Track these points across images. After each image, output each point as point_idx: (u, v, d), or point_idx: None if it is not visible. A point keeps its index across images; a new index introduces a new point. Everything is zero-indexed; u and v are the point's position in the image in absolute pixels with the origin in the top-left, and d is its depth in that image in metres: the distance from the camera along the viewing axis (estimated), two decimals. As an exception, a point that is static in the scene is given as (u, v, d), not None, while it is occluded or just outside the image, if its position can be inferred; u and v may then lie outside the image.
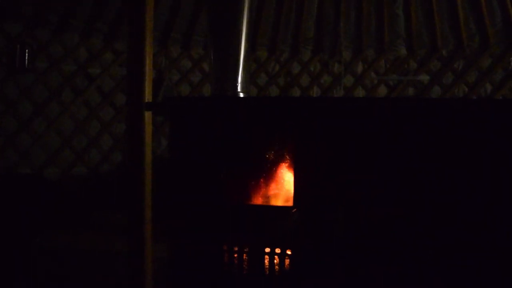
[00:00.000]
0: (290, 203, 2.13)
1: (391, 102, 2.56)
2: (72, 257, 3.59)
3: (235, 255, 2.14)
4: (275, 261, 2.10)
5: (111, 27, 5.02)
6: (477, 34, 5.28)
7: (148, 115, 2.29)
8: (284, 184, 2.20)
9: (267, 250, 2.12)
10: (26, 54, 4.69)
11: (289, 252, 2.10)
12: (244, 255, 2.13)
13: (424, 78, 5.49)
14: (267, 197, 2.21)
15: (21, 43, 4.70)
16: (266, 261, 2.11)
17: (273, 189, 2.21)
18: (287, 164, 2.19)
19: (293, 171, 2.11)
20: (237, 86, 2.46)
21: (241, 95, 2.47)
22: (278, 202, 2.22)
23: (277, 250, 2.11)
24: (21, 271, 3.42)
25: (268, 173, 2.22)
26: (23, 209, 4.17)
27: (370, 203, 1.97)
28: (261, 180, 2.22)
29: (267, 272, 2.10)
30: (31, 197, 4.44)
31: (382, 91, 5.49)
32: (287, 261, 2.09)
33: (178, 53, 5.36)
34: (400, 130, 2.00)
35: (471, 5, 5.14)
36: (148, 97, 2.30)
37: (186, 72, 5.35)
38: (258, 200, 2.22)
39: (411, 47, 5.44)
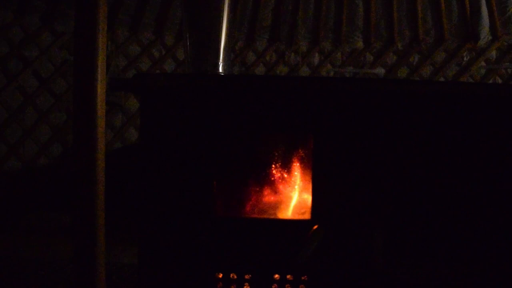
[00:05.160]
0: (307, 216, 1.51)
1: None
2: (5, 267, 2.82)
3: (233, 287, 1.49)
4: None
5: (49, 5, 4.18)
6: (433, 28, 4.97)
7: (101, 92, 1.60)
8: (296, 190, 1.57)
9: (276, 276, 1.49)
10: None
11: (304, 278, 1.48)
12: (246, 284, 1.49)
13: (380, 71, 5.10)
14: (272, 207, 1.56)
15: None
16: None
17: (280, 196, 1.57)
18: (300, 163, 1.56)
19: (311, 172, 1.48)
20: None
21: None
22: (289, 213, 1.58)
23: (289, 277, 1.48)
24: None
25: (274, 175, 1.58)
26: None
27: (426, 217, 1.39)
28: (265, 184, 1.57)
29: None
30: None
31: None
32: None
33: (126, 37, 4.60)
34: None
35: (431, -1, 4.80)
36: (101, 72, 1.61)
37: (135, 57, 4.61)
38: (261, 211, 1.56)
39: (368, 39, 5.02)
